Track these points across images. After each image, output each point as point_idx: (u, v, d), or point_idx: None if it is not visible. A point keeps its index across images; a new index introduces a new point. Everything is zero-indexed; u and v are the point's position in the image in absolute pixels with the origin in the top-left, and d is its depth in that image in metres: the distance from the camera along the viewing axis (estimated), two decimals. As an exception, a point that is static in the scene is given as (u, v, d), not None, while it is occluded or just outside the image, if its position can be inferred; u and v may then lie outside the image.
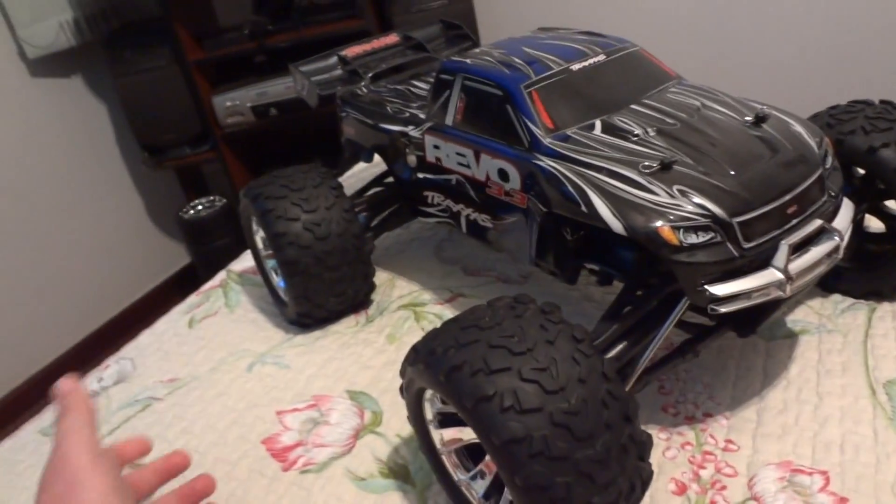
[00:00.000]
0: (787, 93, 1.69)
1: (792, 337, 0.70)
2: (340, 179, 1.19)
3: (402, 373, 0.55)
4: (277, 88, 1.87)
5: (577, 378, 0.46)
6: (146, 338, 0.94)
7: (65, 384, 0.53)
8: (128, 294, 2.16)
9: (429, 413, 0.56)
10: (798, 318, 0.72)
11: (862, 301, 0.72)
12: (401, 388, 0.57)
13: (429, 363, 0.50)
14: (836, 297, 0.74)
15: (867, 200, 0.70)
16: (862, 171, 0.70)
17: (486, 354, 0.47)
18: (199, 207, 2.09)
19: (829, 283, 0.73)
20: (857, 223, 0.73)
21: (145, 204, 2.23)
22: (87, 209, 2.03)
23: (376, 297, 0.90)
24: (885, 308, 0.71)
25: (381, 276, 0.93)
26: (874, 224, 0.73)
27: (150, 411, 0.79)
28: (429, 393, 0.54)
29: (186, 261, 2.33)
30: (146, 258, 2.23)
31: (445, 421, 0.55)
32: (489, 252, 0.91)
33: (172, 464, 0.57)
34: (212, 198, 2.12)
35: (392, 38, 1.03)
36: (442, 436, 0.56)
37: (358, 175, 1.22)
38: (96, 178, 2.06)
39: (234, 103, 1.89)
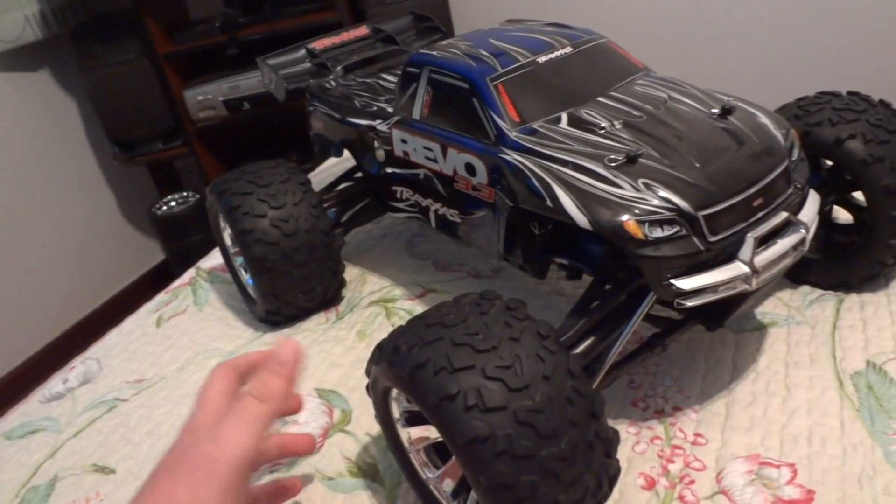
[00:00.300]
0: (758, 84, 1.70)
1: (761, 329, 0.70)
2: (313, 175, 1.17)
3: (368, 371, 0.54)
4: (250, 82, 1.84)
5: (541, 375, 0.46)
6: (113, 338, 0.93)
7: (287, 352, 0.47)
8: (101, 292, 2.13)
9: (395, 412, 0.55)
10: (767, 309, 0.72)
11: (830, 292, 0.73)
12: (367, 387, 0.56)
13: (393, 362, 0.49)
14: (805, 288, 0.74)
15: (835, 192, 0.71)
16: (829, 163, 0.70)
17: (449, 352, 0.46)
18: (172, 203, 2.06)
19: (798, 274, 0.73)
20: (825, 215, 0.73)
21: (117, 200, 2.19)
22: (58, 206, 1.99)
23: (347, 293, 0.89)
24: (853, 299, 0.71)
25: (351, 272, 0.91)
26: (842, 215, 0.73)
27: (115, 412, 0.77)
28: (395, 391, 0.53)
29: (160, 258, 2.30)
30: (119, 256, 2.19)
31: (412, 419, 0.54)
32: (460, 247, 0.90)
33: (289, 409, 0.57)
34: (185, 193, 2.09)
35: (362, 31, 1.01)
36: (409, 434, 0.56)
37: (330, 170, 1.20)
38: (66, 175, 2.02)
39: (206, 97, 1.86)
